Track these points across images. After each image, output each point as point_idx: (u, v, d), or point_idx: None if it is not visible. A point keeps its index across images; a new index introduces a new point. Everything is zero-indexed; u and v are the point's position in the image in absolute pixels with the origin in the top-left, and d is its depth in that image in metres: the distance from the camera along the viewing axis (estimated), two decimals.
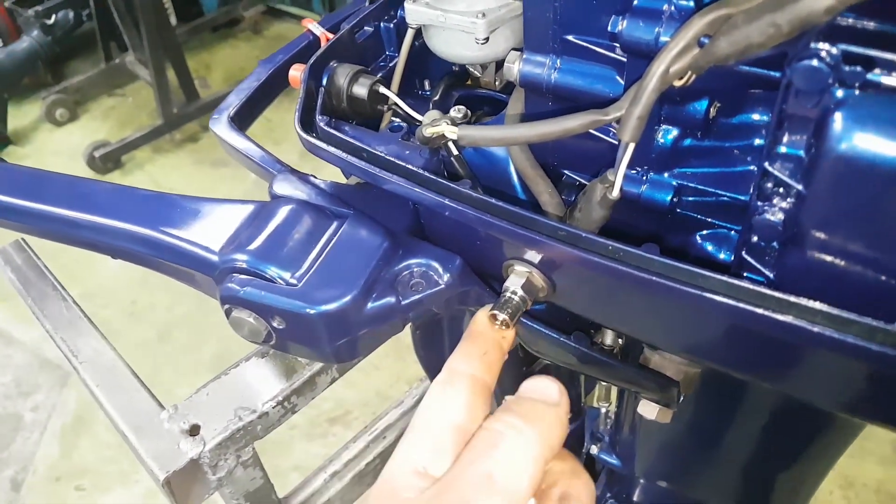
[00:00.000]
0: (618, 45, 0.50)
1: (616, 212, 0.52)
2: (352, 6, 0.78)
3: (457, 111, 0.65)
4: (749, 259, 0.49)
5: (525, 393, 0.48)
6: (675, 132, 0.53)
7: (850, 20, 0.40)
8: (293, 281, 0.54)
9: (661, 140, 0.54)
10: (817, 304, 0.41)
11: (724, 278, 0.43)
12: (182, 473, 0.67)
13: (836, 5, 0.35)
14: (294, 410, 0.73)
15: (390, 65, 0.73)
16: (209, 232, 0.58)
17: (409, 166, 0.54)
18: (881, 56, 0.38)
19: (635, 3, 0.48)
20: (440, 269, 0.56)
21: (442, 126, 0.55)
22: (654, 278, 0.45)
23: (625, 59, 0.51)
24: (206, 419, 0.70)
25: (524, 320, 0.57)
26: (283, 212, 0.58)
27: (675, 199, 0.54)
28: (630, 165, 0.56)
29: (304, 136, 0.60)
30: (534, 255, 0.52)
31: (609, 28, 0.49)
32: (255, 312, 0.54)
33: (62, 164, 3.21)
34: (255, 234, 0.57)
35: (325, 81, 0.67)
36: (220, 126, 0.70)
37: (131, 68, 3.40)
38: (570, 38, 0.53)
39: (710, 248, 0.57)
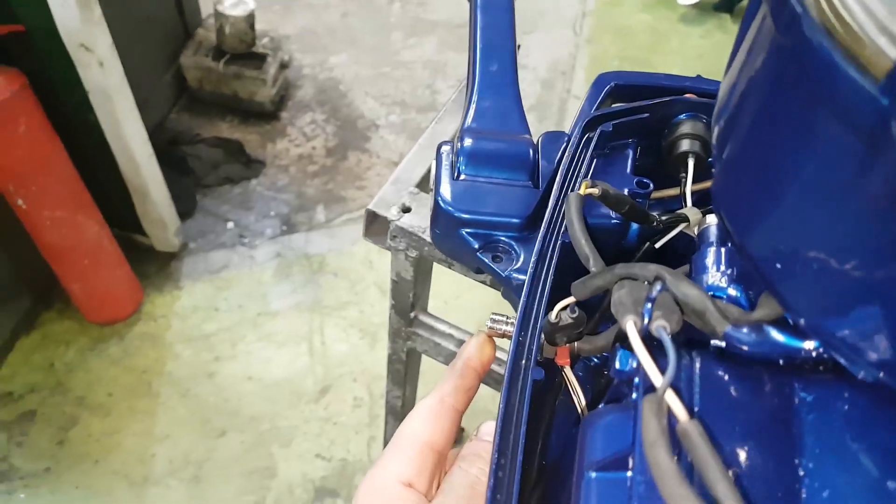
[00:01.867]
0: None
1: None
2: None
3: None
4: None
5: (486, 437, 0.59)
6: None
7: None
8: (462, 176, 0.70)
9: None
10: None
11: None
12: (372, 219, 0.95)
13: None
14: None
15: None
16: (486, 115, 0.76)
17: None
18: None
19: None
20: (519, 267, 0.66)
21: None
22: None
23: None
24: (416, 210, 0.94)
25: None
26: (518, 143, 0.72)
27: None
28: None
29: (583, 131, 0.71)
30: None
31: None
32: (436, 169, 0.73)
33: None
34: (491, 140, 0.73)
35: (677, 119, 0.74)
36: None
37: None
38: None
39: None
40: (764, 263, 0.30)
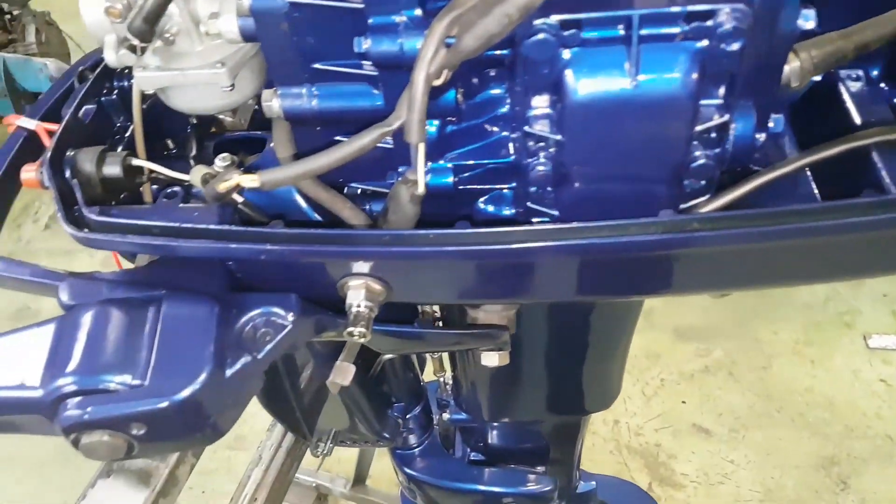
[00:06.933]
0: (367, 62, 0.54)
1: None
2: (53, 91, 0.74)
3: (222, 160, 0.64)
4: (535, 206, 0.57)
5: None
6: (437, 123, 0.58)
7: None
8: (136, 382, 0.51)
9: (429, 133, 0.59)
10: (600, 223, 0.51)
11: (539, 228, 0.51)
12: None
13: None
14: None
15: (126, 135, 0.70)
16: (18, 369, 0.52)
17: (214, 227, 0.53)
18: (588, 16, 0.47)
19: (371, 21, 0.52)
20: (282, 312, 0.56)
21: (236, 177, 0.55)
22: (479, 248, 0.52)
23: (376, 73, 0.54)
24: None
25: (375, 327, 0.60)
26: (87, 318, 0.54)
27: (455, 180, 0.60)
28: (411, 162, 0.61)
29: (78, 233, 0.56)
30: (364, 267, 0.55)
31: (355, 49, 0.53)
32: (108, 429, 0.50)
33: None
34: (70, 352, 0.52)
35: (68, 173, 0.62)
36: None
37: None
38: (318, 66, 0.56)
39: (491, 209, 0.63)
40: None
